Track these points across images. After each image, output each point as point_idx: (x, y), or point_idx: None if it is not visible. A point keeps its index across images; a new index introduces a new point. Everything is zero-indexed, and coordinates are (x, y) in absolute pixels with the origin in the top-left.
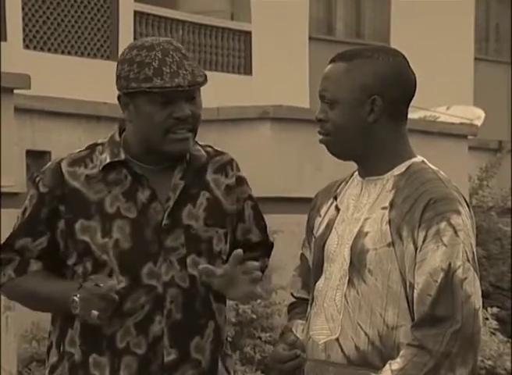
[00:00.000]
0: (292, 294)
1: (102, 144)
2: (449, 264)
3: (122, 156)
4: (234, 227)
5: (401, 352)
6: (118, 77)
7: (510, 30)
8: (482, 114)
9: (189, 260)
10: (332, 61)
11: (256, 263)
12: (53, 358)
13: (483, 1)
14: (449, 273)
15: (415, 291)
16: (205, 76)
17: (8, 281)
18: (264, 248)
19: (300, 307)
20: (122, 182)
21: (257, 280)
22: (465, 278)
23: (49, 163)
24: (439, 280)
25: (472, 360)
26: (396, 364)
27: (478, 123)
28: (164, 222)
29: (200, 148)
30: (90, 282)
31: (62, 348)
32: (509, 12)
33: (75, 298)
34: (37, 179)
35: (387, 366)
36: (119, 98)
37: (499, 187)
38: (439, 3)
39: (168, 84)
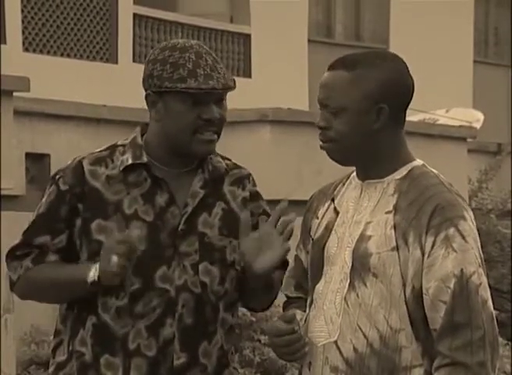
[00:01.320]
0: (286, 296)
1: (123, 145)
2: (461, 270)
3: (145, 159)
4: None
5: (436, 373)
6: (148, 76)
7: (510, 33)
8: (482, 117)
9: (201, 267)
10: (332, 68)
11: (289, 217)
12: (61, 357)
13: (482, 4)
14: (463, 279)
15: (426, 296)
16: (235, 80)
17: (25, 272)
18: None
19: (296, 303)
20: (141, 184)
21: (290, 235)
22: (480, 283)
23: (69, 162)
24: (452, 286)
25: (497, 363)
26: None
27: (478, 125)
28: (180, 227)
29: (221, 159)
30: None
31: (71, 347)
32: (508, 15)
33: (94, 265)
34: (57, 176)
35: None
36: (147, 96)
37: (499, 189)
38: (438, 6)
39: (204, 86)
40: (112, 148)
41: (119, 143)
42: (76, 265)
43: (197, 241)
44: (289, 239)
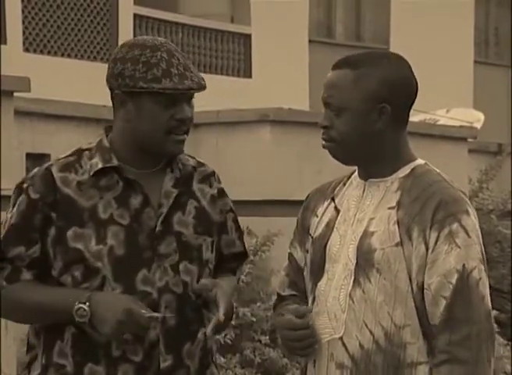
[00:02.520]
0: (279, 294)
1: (89, 149)
2: (464, 265)
3: (115, 162)
4: (218, 238)
5: (435, 370)
6: (117, 75)
7: (510, 34)
8: (482, 117)
9: (181, 266)
10: (337, 67)
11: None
12: (36, 371)
13: (483, 4)
14: (464, 274)
15: (427, 291)
16: (204, 79)
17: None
18: (243, 257)
19: (288, 300)
20: (114, 187)
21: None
22: (480, 278)
23: (36, 169)
24: (454, 282)
25: (493, 359)
26: None
27: (478, 125)
28: (157, 228)
29: (188, 157)
30: (129, 303)
31: (45, 361)
32: (508, 16)
33: (82, 306)
34: (25, 185)
35: None
36: (115, 96)
37: (499, 189)
38: (438, 6)
39: (180, 86)
40: (79, 153)
41: (85, 147)
42: (58, 292)
43: (174, 241)
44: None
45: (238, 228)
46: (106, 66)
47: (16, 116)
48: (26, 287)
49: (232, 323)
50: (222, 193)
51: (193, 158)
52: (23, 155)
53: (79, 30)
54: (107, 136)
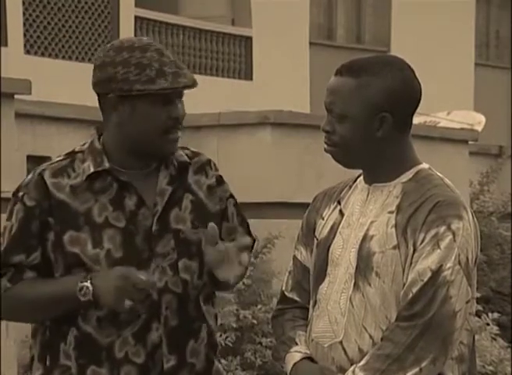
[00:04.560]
0: (283, 293)
1: (81, 151)
2: (440, 266)
3: (107, 165)
4: (219, 227)
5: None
6: (109, 79)
7: (510, 36)
8: (483, 119)
9: (180, 264)
10: (339, 73)
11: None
12: (36, 373)
13: (483, 7)
14: (437, 274)
15: (402, 290)
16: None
17: (4, 292)
18: (250, 245)
19: (287, 314)
20: (108, 190)
21: (241, 273)
22: (452, 281)
23: (29, 176)
24: (425, 280)
25: (443, 359)
26: (362, 361)
27: (479, 128)
28: (153, 228)
29: (181, 151)
30: (125, 270)
31: (48, 362)
32: (509, 18)
33: (85, 283)
34: (20, 194)
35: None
36: (106, 100)
37: (500, 192)
38: (439, 9)
39: (176, 85)
40: (71, 156)
41: (77, 149)
42: (60, 279)
43: (172, 239)
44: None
45: (239, 214)
46: None
47: (16, 119)
48: (29, 283)
49: (233, 325)
50: (219, 180)
51: (187, 148)
52: (24, 157)
53: (80, 32)
54: (99, 137)
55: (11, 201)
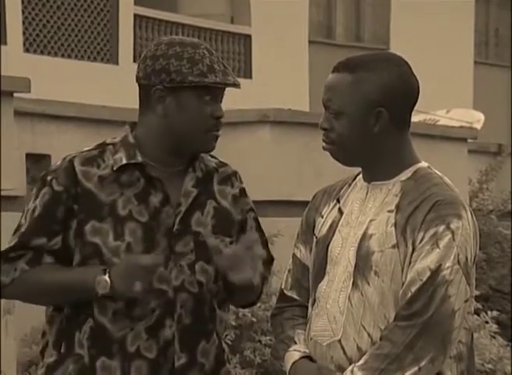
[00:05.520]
0: (282, 291)
1: (113, 144)
2: (440, 265)
3: (139, 159)
4: (237, 237)
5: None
6: (160, 71)
7: (510, 34)
8: (482, 117)
9: (197, 267)
10: (336, 70)
11: (263, 251)
12: (49, 359)
13: (483, 5)
14: (436, 273)
15: (401, 289)
16: None
17: (21, 274)
18: (267, 262)
19: (287, 312)
20: (135, 184)
21: (259, 268)
22: (451, 280)
23: (59, 162)
24: (424, 279)
25: (442, 358)
26: (361, 360)
27: (478, 126)
28: (175, 227)
29: (210, 157)
30: (131, 255)
31: (63, 350)
32: (508, 17)
33: (103, 277)
34: (49, 177)
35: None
36: (154, 91)
37: (499, 190)
38: (438, 7)
39: (227, 81)
40: (102, 147)
41: (108, 141)
42: (78, 269)
43: (192, 241)
44: (257, 271)
45: (259, 228)
46: (106, 66)
47: (16, 117)
48: (47, 268)
49: (233, 323)
50: (243, 192)
51: (216, 158)
52: (23, 155)
53: (79, 30)
54: (131, 132)
55: (37, 184)
